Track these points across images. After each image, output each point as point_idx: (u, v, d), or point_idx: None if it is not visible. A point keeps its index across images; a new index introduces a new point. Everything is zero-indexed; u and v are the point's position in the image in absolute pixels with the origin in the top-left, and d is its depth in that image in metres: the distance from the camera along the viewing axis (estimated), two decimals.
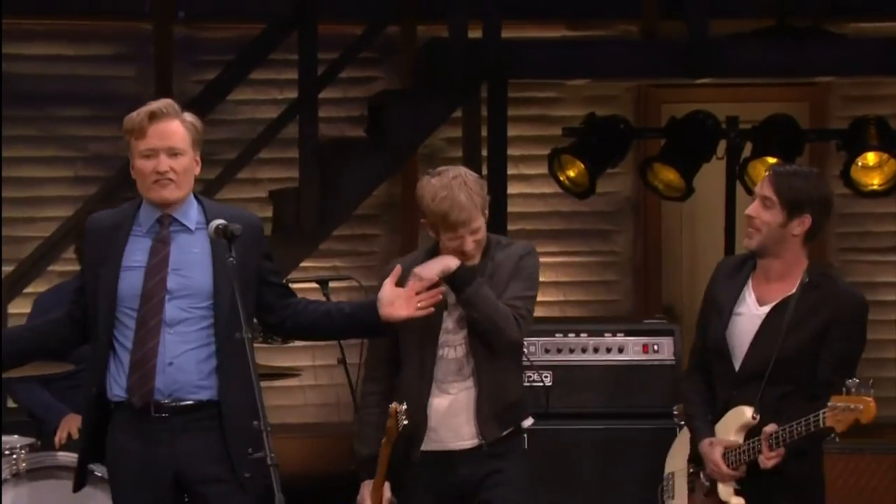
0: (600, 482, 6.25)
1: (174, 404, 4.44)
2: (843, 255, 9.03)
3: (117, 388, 4.49)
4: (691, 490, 5.02)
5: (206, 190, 8.16)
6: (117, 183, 8.19)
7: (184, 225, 4.54)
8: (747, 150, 8.24)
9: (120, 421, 4.50)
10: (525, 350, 6.18)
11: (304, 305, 4.66)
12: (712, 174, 8.23)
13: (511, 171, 8.27)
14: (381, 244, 8.93)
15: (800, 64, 8.13)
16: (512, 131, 8.20)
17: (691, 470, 5.04)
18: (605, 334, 6.22)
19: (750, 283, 4.90)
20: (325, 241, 8.18)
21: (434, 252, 4.96)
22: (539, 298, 8.64)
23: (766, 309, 4.86)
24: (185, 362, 4.43)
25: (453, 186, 4.92)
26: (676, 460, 5.09)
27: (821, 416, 4.68)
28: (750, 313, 4.88)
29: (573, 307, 8.95)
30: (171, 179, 4.48)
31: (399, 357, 4.90)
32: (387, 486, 4.88)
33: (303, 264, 8.00)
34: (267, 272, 4.63)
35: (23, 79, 8.29)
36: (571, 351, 6.32)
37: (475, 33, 7.97)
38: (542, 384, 6.23)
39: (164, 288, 4.44)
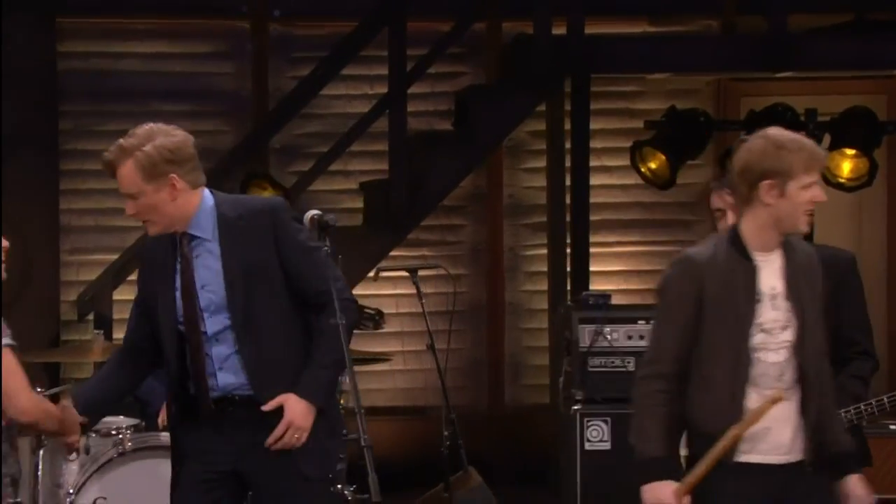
0: None
1: (231, 397, 4.53)
2: None
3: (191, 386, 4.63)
4: None
5: (299, 181, 8.42)
6: (215, 175, 8.42)
7: (200, 237, 4.53)
8: (826, 141, 8.32)
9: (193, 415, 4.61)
10: (608, 337, 6.39)
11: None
12: None
13: (594, 162, 8.39)
14: (467, 234, 9.10)
15: (878, 57, 8.18)
16: (595, 124, 8.34)
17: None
18: None
19: None
20: (414, 230, 8.36)
21: (736, 235, 4.45)
22: (621, 287, 8.97)
23: None
24: (231, 365, 4.53)
25: (791, 133, 4.48)
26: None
27: None
28: None
29: (654, 295, 9.05)
30: (144, 220, 4.52)
31: (686, 353, 4.46)
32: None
33: (392, 253, 8.19)
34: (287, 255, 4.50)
35: (125, 75, 8.56)
36: None
37: (559, 29, 8.09)
38: (625, 370, 6.37)
39: (197, 307, 4.50)
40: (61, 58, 8.53)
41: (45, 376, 7.16)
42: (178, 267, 4.55)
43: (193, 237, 4.54)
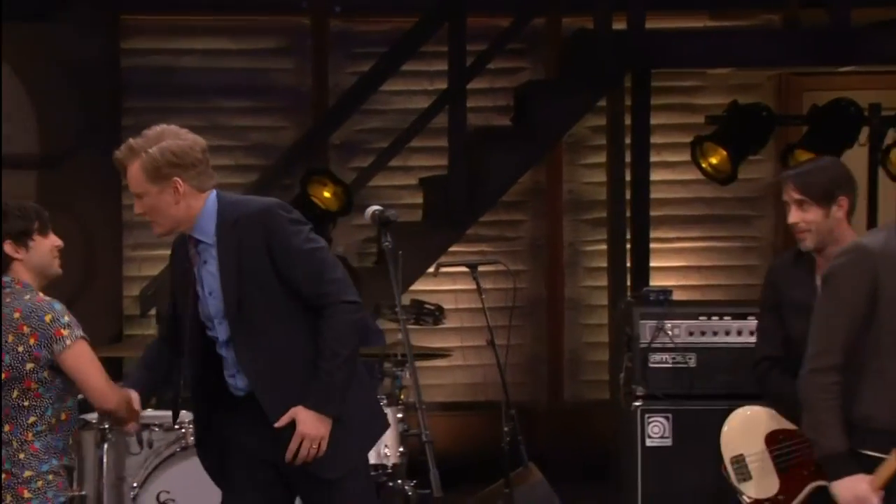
0: None
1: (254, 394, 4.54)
2: None
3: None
4: (783, 470, 5.08)
5: (359, 177, 8.46)
6: (275, 171, 8.49)
7: (203, 241, 4.50)
8: (890, 136, 8.26)
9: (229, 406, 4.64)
10: (669, 332, 6.36)
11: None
12: (854, 161, 8.22)
13: (654, 158, 8.39)
14: (527, 229, 9.10)
15: None
16: (655, 119, 8.32)
17: (778, 449, 5.10)
18: (748, 317, 6.31)
19: (816, 276, 5.05)
20: (473, 226, 8.39)
21: None
22: (682, 282, 8.94)
23: None
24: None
25: None
26: (746, 442, 5.12)
27: None
28: None
29: (715, 291, 9.03)
30: (150, 220, 4.50)
31: (852, 344, 4.37)
32: None
33: (451, 249, 8.21)
34: (279, 262, 4.45)
35: (187, 71, 8.64)
36: (715, 333, 6.36)
37: (619, 24, 8.09)
38: (686, 366, 6.35)
39: (208, 311, 4.50)
40: (124, 54, 8.61)
41: (107, 371, 7.22)
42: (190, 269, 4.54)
43: (199, 241, 4.52)
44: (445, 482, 4.52)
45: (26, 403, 4.45)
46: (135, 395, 4.62)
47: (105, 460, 5.83)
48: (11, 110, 8.31)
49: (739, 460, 5.15)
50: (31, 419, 4.46)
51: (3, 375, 4.45)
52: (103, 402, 4.53)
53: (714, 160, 8.41)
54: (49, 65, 8.37)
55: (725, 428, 5.19)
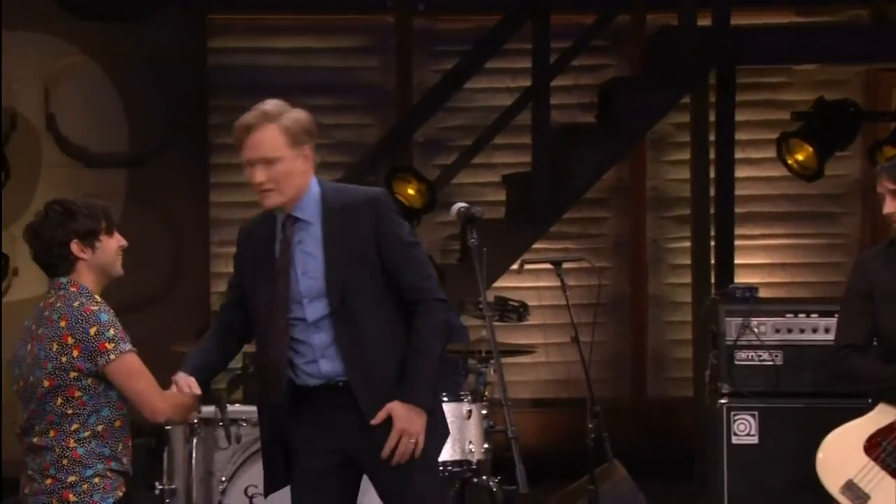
0: None
1: (335, 384, 4.48)
2: None
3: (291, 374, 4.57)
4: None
5: (443, 174, 8.49)
6: (360, 169, 8.54)
7: (304, 220, 4.46)
8: None
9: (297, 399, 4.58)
10: (755, 330, 6.33)
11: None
12: None
13: (739, 155, 8.35)
14: (610, 227, 9.08)
15: None
16: (740, 116, 8.28)
17: (882, 451, 5.04)
18: (835, 315, 6.25)
19: None
20: (556, 223, 8.39)
21: None
22: (767, 280, 8.88)
23: None
24: (332, 354, 4.48)
25: None
26: (847, 465, 5.07)
27: None
28: None
29: (801, 288, 8.97)
30: (270, 189, 4.40)
31: None
32: None
33: (535, 246, 8.21)
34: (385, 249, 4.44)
35: (273, 70, 8.70)
36: (801, 331, 6.32)
37: (704, 21, 8.05)
38: (772, 363, 6.32)
39: (297, 291, 4.43)
40: (211, 53, 8.71)
41: None
42: (279, 249, 4.47)
43: (297, 220, 4.45)
44: (530, 478, 4.52)
45: (70, 411, 4.43)
46: (193, 381, 4.55)
47: (194, 455, 5.89)
48: (102, 110, 8.44)
49: (850, 486, 5.07)
50: (74, 426, 4.43)
51: (47, 384, 4.43)
52: (153, 417, 4.49)
53: (800, 157, 8.35)
54: (137, 64, 8.48)
55: (820, 460, 5.11)
